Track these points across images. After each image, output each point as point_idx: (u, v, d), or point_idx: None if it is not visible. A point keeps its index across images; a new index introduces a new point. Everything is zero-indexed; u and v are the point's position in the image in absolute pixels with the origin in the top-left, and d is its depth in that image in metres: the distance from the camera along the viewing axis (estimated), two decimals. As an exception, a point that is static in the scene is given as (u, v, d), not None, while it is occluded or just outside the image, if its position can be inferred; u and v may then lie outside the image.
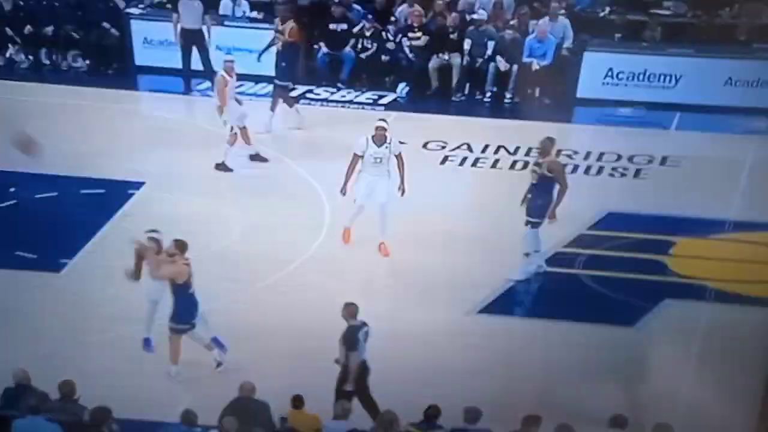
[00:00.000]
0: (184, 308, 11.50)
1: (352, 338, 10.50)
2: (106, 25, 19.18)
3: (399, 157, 13.49)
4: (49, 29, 18.97)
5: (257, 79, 18.32)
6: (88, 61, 19.10)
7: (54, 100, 17.63)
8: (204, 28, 18.29)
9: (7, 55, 19.04)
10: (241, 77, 16.91)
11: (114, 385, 11.14)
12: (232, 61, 15.74)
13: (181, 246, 11.49)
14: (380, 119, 13.73)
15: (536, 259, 13.36)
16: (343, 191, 13.56)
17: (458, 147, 16.83)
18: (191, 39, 18.24)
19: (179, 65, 18.47)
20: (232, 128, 15.50)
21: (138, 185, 15.32)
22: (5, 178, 15.31)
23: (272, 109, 16.93)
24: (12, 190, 15.12)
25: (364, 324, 10.68)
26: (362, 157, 13.41)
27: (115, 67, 19.07)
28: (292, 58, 17.23)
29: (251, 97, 17.77)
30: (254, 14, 19.43)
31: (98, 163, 15.79)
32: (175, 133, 15.62)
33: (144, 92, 18.85)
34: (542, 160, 13.09)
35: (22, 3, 19.06)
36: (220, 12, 19.33)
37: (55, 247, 13.96)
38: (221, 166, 15.70)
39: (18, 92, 18.01)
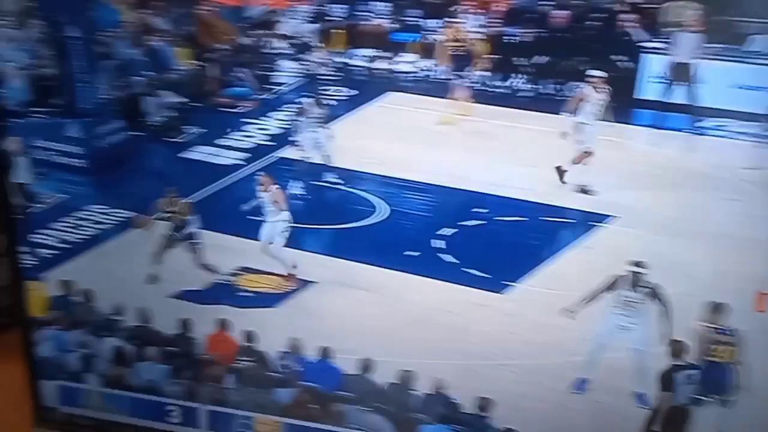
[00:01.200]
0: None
1: (667, 378, 10.56)
2: (617, 57, 19.70)
3: None
4: (555, 60, 19.92)
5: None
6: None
7: (545, 129, 18.42)
8: (695, 62, 18.16)
9: (510, 83, 20.31)
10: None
11: (527, 410, 11.65)
12: (597, 77, 15.61)
13: None
14: None
15: None
16: None
17: None
18: (679, 73, 18.23)
19: (679, 101, 18.50)
20: (584, 148, 15.46)
21: (609, 218, 15.67)
22: (476, 199, 16.49)
23: None
24: (480, 211, 16.17)
25: (691, 366, 10.52)
26: None
27: (616, 99, 19.52)
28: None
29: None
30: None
31: (572, 193, 16.35)
32: (662, 170, 15.70)
33: (639, 127, 19.09)
34: None
35: (532, 35, 20.15)
36: (744, 48, 18.98)
37: (504, 269, 14.69)
38: (583, 190, 15.71)
39: (518, 120, 19.07)
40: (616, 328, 11.83)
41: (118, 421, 12.75)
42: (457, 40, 19.03)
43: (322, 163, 17.07)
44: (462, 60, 19.24)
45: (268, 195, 14.28)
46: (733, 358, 10.88)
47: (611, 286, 11.87)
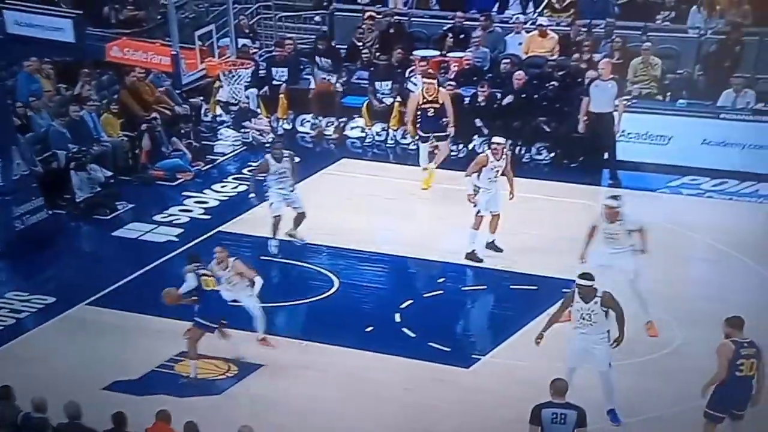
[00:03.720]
0: None
1: (536, 411, 11.02)
2: (584, 117, 19.50)
3: (640, 231, 14.43)
4: (518, 122, 19.67)
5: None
6: (552, 154, 19.52)
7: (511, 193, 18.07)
8: (615, 114, 18.30)
9: (470, 147, 20.02)
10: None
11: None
12: (499, 144, 16.12)
13: None
14: (610, 196, 14.81)
15: None
16: (582, 259, 14.39)
17: None
18: (598, 124, 18.24)
19: (653, 159, 18.96)
20: (479, 212, 16.07)
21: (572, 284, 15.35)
22: (435, 269, 16.29)
23: None
24: (440, 280, 15.80)
25: (566, 406, 10.96)
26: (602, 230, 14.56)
27: (581, 160, 19.30)
28: None
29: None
30: (760, 106, 19.10)
31: (535, 259, 16.16)
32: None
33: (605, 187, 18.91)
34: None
35: (498, 95, 19.98)
36: (719, 104, 18.97)
37: (471, 342, 14.70)
38: (471, 256, 16.23)
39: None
40: (582, 351, 12.35)
41: None
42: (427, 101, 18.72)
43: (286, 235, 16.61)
44: (428, 122, 18.94)
45: (228, 271, 13.74)
46: (752, 371, 11.32)
47: (568, 301, 12.55)
